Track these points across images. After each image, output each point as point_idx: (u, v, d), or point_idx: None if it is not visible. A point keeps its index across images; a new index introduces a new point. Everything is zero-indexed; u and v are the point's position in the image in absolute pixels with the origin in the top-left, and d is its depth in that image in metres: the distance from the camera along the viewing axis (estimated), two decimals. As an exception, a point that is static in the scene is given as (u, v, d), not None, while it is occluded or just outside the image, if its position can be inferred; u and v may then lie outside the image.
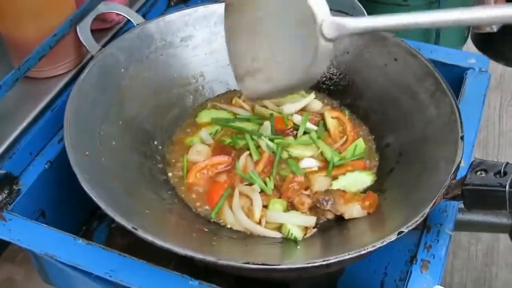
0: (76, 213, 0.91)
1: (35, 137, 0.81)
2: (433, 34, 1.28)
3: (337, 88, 0.90)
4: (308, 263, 0.61)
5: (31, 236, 0.73)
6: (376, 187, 0.78)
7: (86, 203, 0.91)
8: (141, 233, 0.63)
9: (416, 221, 0.64)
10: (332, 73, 0.90)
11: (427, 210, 0.65)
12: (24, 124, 0.80)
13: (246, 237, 0.74)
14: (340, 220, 0.74)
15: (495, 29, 1.35)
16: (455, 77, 0.91)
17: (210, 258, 0.61)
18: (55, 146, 0.83)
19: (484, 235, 1.74)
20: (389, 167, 0.79)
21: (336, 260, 0.61)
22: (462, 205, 0.74)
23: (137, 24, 0.87)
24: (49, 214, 0.84)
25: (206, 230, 0.74)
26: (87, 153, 0.73)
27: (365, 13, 1.10)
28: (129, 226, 0.63)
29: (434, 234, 0.72)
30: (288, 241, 0.74)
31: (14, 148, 0.79)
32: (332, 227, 0.74)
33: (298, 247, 0.73)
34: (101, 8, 0.86)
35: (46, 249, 0.71)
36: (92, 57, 0.87)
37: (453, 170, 0.68)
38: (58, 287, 0.91)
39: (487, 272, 1.68)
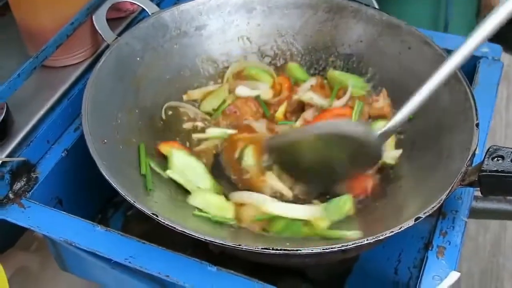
0: (92, 201, 0.92)
1: (52, 126, 0.82)
2: (441, 23, 1.28)
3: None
4: (326, 248, 0.61)
5: (50, 223, 0.73)
6: (392, 176, 0.78)
7: (102, 191, 0.93)
8: (161, 218, 0.64)
9: (433, 207, 0.64)
10: (346, 61, 0.91)
11: (444, 197, 0.65)
12: (42, 112, 0.80)
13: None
14: (358, 208, 0.75)
15: (503, 18, 1.35)
16: (468, 66, 0.90)
17: (230, 244, 0.62)
18: (72, 134, 0.84)
19: (492, 226, 1.75)
20: (405, 154, 0.79)
21: (354, 245, 0.62)
22: (476, 193, 0.75)
23: (152, 13, 0.87)
24: (66, 202, 0.85)
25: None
26: (105, 140, 0.73)
27: (375, 4, 1.10)
28: (149, 212, 0.64)
29: (449, 220, 0.72)
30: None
31: (31, 136, 0.79)
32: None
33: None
34: (116, -4, 0.86)
35: (65, 235, 0.72)
36: (107, 46, 0.88)
37: (469, 157, 0.69)
38: (75, 274, 0.91)
39: (495, 262, 1.69)
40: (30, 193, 0.77)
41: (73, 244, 0.72)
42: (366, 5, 0.90)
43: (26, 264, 1.19)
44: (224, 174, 0.81)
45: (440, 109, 0.78)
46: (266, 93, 0.89)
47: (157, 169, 0.76)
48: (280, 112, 0.87)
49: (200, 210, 0.73)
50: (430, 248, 0.70)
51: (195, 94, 0.88)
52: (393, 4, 1.25)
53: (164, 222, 0.64)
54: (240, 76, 0.91)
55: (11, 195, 0.76)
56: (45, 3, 0.80)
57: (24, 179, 0.78)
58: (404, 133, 0.81)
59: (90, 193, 0.90)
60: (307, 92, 0.86)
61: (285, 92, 0.89)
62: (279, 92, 0.90)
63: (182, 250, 0.72)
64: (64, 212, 0.75)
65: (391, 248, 0.87)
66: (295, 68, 0.92)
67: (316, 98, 0.86)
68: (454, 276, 0.66)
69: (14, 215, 0.74)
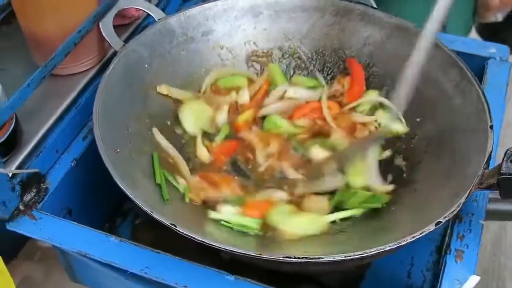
0: (100, 210, 0.91)
1: (60, 135, 0.81)
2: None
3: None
4: (347, 256, 0.61)
5: (62, 234, 0.72)
6: (406, 179, 0.78)
7: (110, 200, 0.92)
8: (180, 229, 0.63)
9: (453, 211, 0.64)
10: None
11: (462, 200, 0.65)
12: (50, 121, 0.79)
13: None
14: (371, 212, 0.75)
15: (500, 18, 1.36)
16: (476, 67, 0.91)
17: (252, 253, 0.61)
18: (80, 143, 0.83)
19: (491, 225, 1.75)
20: (417, 158, 0.79)
21: (376, 252, 0.61)
22: (491, 195, 0.75)
23: (159, 19, 0.87)
24: (75, 212, 0.84)
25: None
26: (117, 150, 0.72)
27: (373, 3, 1.10)
28: (167, 222, 0.63)
29: (466, 224, 0.72)
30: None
31: (41, 146, 0.78)
32: (364, 219, 0.74)
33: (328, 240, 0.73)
34: (123, 3, 0.85)
35: (79, 247, 0.71)
36: (114, 54, 0.87)
37: (485, 160, 0.69)
38: (87, 285, 0.90)
39: (496, 262, 1.69)
40: (41, 204, 0.76)
41: (87, 256, 0.70)
42: (365, 5, 0.89)
43: (31, 274, 1.18)
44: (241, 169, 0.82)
45: (452, 112, 0.78)
46: (242, 97, 0.88)
47: (173, 182, 0.76)
48: (242, 119, 0.85)
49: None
50: (448, 252, 0.70)
51: (163, 89, 0.85)
52: (391, 4, 1.25)
53: (183, 233, 0.63)
54: (216, 88, 0.89)
55: (21, 207, 0.75)
56: (51, 11, 0.78)
57: (34, 190, 0.77)
58: (417, 136, 0.81)
59: (98, 202, 0.89)
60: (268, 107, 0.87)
61: (258, 95, 0.89)
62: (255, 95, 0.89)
63: (190, 257, 0.71)
64: (76, 223, 0.73)
65: (404, 252, 0.86)
66: (273, 69, 0.91)
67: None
68: (474, 280, 0.66)
69: (26, 227, 0.73)
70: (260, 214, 0.73)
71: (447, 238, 0.73)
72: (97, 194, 0.87)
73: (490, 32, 1.49)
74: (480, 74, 0.91)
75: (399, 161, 0.81)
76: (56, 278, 1.15)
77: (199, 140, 0.82)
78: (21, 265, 1.17)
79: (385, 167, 0.81)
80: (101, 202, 0.89)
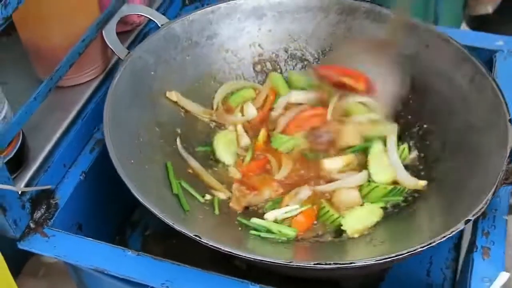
0: (110, 223, 0.89)
1: (68, 148, 0.78)
2: (431, 17, 1.27)
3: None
4: (379, 260, 0.59)
5: (77, 251, 0.70)
6: (425, 177, 0.77)
7: (118, 211, 0.90)
8: (204, 240, 0.61)
9: (481, 209, 0.63)
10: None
11: (489, 196, 0.64)
12: (57, 135, 0.77)
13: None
14: (396, 212, 0.73)
15: (490, 10, 1.35)
16: (484, 61, 0.89)
17: (281, 262, 0.59)
18: (88, 156, 0.81)
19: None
20: (434, 156, 0.78)
21: (407, 253, 0.60)
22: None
23: (162, 25, 0.84)
24: (85, 226, 0.81)
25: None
26: (132, 161, 0.70)
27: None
28: (191, 234, 0.61)
29: (490, 220, 0.71)
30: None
31: (48, 161, 0.76)
32: (387, 221, 0.73)
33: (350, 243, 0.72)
34: (125, 10, 0.83)
35: (95, 263, 0.69)
36: (117, 62, 0.85)
37: (507, 155, 0.68)
38: (101, 301, 0.88)
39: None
40: (52, 220, 0.74)
41: (104, 272, 0.68)
42: (371, 2, 0.88)
43: (35, 291, 1.15)
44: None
45: (468, 107, 0.77)
46: (248, 113, 0.87)
47: (191, 190, 0.74)
48: (261, 139, 0.84)
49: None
50: (474, 250, 0.68)
51: (173, 96, 0.83)
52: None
53: (207, 243, 0.61)
54: (227, 106, 0.88)
55: (32, 225, 0.73)
56: (53, 22, 0.76)
57: (44, 207, 0.74)
58: (433, 134, 0.80)
59: (108, 215, 0.87)
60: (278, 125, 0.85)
61: (266, 107, 0.88)
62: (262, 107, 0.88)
63: (202, 266, 0.69)
64: (91, 239, 0.71)
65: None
66: (276, 80, 0.89)
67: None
68: (504, 276, 0.65)
69: (38, 246, 0.71)
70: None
71: (470, 236, 0.73)
72: (106, 206, 0.85)
73: (480, 25, 1.48)
74: (488, 67, 0.90)
75: (413, 159, 0.80)
76: (62, 296, 1.13)
77: (232, 167, 0.81)
78: (25, 282, 1.14)
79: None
80: (110, 214, 0.87)
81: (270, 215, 0.74)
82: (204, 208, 0.74)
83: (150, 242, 0.92)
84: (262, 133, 0.83)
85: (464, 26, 1.45)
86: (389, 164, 0.78)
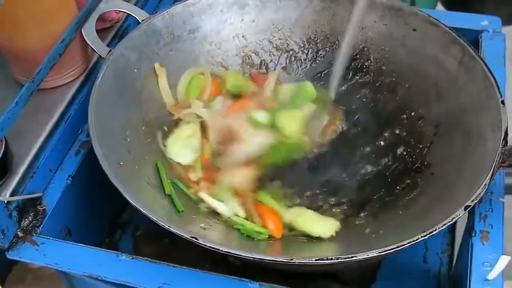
0: (99, 225, 0.87)
1: (52, 152, 0.76)
2: (408, -1, 1.26)
3: (355, 65, 0.87)
4: (382, 251, 0.58)
5: (69, 258, 0.68)
6: (419, 163, 0.76)
7: (107, 213, 0.88)
8: (202, 241, 0.59)
9: (479, 194, 0.62)
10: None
11: (487, 180, 0.63)
12: (41, 139, 0.74)
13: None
14: (393, 200, 0.72)
15: (465, -12, 1.35)
16: (471, 41, 0.89)
17: (282, 259, 0.58)
18: (73, 159, 0.78)
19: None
20: (427, 140, 0.77)
21: (409, 243, 0.59)
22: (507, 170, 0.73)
23: (142, 20, 0.82)
24: (74, 231, 0.79)
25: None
26: (120, 163, 0.68)
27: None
28: (188, 236, 0.60)
29: (487, 203, 0.70)
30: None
31: (33, 167, 0.73)
32: (385, 210, 0.72)
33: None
34: (103, 7, 0.81)
35: (89, 269, 0.67)
36: (98, 61, 0.83)
37: (502, 137, 0.67)
38: (94, 306, 0.86)
39: None
40: (40, 228, 0.71)
41: (99, 278, 0.66)
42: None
43: (23, 300, 1.12)
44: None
45: (458, 90, 0.76)
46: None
47: (185, 190, 0.72)
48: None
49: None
50: (473, 234, 0.68)
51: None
52: None
53: (204, 245, 0.59)
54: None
55: (20, 233, 0.70)
56: (30, 22, 0.73)
57: (31, 214, 0.72)
58: (423, 119, 0.79)
59: (97, 217, 0.85)
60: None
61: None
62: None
63: (198, 264, 0.68)
64: (82, 245, 0.69)
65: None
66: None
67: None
68: (504, 260, 0.64)
69: (28, 254, 0.69)
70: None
71: (467, 220, 0.72)
72: (95, 209, 0.83)
73: (455, 5, 1.48)
74: (475, 48, 0.89)
75: (401, 149, 0.80)
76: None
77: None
78: (12, 289, 1.11)
79: (388, 154, 0.80)
80: (99, 217, 0.85)
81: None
82: (196, 207, 0.72)
83: (142, 243, 0.90)
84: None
85: (439, 7, 1.45)
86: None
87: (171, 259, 0.68)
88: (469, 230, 0.69)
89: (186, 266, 0.66)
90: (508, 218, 0.70)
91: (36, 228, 0.71)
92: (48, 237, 0.70)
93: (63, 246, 0.69)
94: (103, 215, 0.86)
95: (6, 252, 0.69)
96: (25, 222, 0.71)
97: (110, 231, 0.90)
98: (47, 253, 0.69)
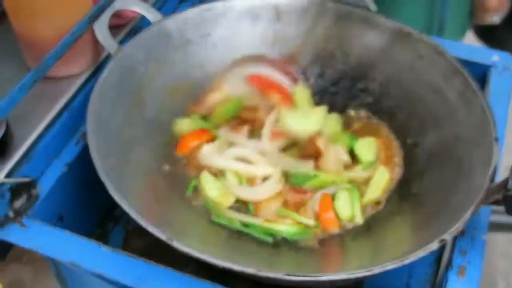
0: (92, 215, 0.89)
1: (52, 140, 0.78)
2: (436, 25, 1.26)
3: (359, 86, 0.87)
4: (350, 274, 0.59)
5: (53, 243, 0.70)
6: (406, 191, 0.76)
7: (101, 204, 0.90)
8: (176, 244, 0.61)
9: (457, 228, 0.62)
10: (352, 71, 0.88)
11: (468, 216, 0.63)
12: (42, 126, 0.77)
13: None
14: (371, 224, 0.73)
15: (497, 20, 1.34)
16: (478, 75, 0.89)
17: (250, 270, 0.59)
18: (73, 148, 0.80)
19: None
20: (419, 168, 0.77)
21: (378, 271, 0.60)
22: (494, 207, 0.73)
23: (155, 22, 0.84)
24: (66, 218, 0.81)
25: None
26: (112, 159, 0.70)
27: (372, 4, 1.08)
28: (163, 237, 0.61)
29: (468, 238, 0.70)
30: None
31: (32, 152, 0.76)
32: (364, 232, 0.73)
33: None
34: (118, 5, 0.83)
35: (70, 257, 0.69)
36: (108, 56, 0.85)
37: (489, 174, 0.67)
38: (77, 293, 0.88)
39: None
40: (31, 211, 0.74)
41: (79, 266, 0.68)
42: (366, 8, 0.87)
43: (19, 277, 1.15)
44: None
45: (456, 121, 0.76)
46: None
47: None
48: None
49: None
50: (450, 268, 0.68)
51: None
52: (388, 4, 1.23)
53: (178, 248, 0.61)
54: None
55: (11, 214, 0.72)
56: (44, 12, 0.76)
57: (24, 196, 0.74)
58: (420, 146, 0.79)
59: (90, 207, 0.87)
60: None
61: None
62: None
63: (185, 265, 0.69)
64: (67, 231, 0.71)
65: (402, 263, 0.85)
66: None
67: None
68: (476, 298, 0.65)
69: (15, 236, 0.71)
70: None
71: (448, 253, 0.72)
72: (89, 199, 0.85)
73: (488, 34, 1.47)
74: (482, 82, 0.89)
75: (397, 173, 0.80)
76: (46, 281, 1.13)
77: None
78: (10, 267, 1.14)
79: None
80: (93, 207, 0.87)
81: None
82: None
83: (133, 236, 0.91)
84: None
85: (470, 35, 1.44)
86: None
87: (157, 256, 0.69)
88: (447, 263, 0.69)
89: (170, 264, 0.68)
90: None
91: (27, 211, 0.74)
92: (37, 221, 0.72)
93: (50, 231, 0.71)
94: (97, 206, 0.88)
95: (-6, 231, 0.71)
96: (17, 204, 0.73)
97: (103, 222, 0.91)
98: (33, 236, 0.71)
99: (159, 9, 0.90)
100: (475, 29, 1.47)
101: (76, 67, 0.82)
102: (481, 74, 0.90)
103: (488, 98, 0.85)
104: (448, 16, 1.26)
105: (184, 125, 0.83)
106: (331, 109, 0.86)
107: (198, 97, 0.86)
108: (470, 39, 1.44)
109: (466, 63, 0.88)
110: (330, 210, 0.74)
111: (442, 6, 1.23)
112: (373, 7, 1.08)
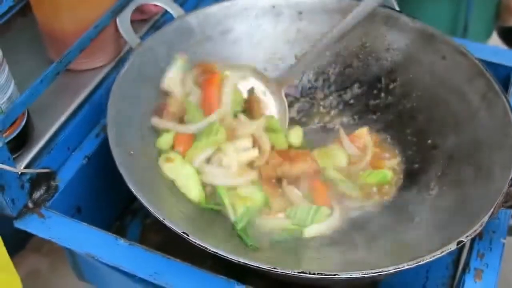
0: (110, 208, 0.90)
1: (73, 132, 0.79)
2: (461, 25, 1.25)
3: (378, 86, 0.87)
4: (365, 273, 0.59)
5: (71, 235, 0.71)
6: (425, 192, 0.75)
7: (120, 197, 0.91)
8: (192, 238, 0.61)
9: (475, 230, 0.62)
10: (373, 70, 0.88)
11: (486, 219, 0.63)
12: (63, 118, 0.78)
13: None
14: (390, 226, 0.73)
15: (522, 23, 1.32)
16: (501, 77, 0.88)
17: (265, 267, 0.59)
18: (93, 140, 0.81)
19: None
20: (438, 170, 0.76)
21: (393, 270, 0.59)
22: (513, 211, 0.72)
23: (177, 17, 0.84)
24: (84, 210, 0.82)
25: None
26: (131, 152, 0.71)
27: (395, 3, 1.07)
28: (179, 231, 0.61)
29: (487, 241, 0.70)
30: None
31: (52, 143, 0.76)
32: (383, 233, 0.72)
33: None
34: (141, -1, 0.83)
35: (87, 249, 0.69)
36: (130, 50, 0.85)
37: (510, 178, 0.66)
38: (93, 284, 0.89)
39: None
40: (50, 202, 0.75)
41: (96, 258, 0.69)
42: (389, 8, 0.87)
43: (37, 267, 1.17)
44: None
45: (477, 124, 0.75)
46: None
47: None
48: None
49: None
50: (467, 271, 0.67)
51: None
52: (412, 3, 1.22)
53: (194, 242, 0.61)
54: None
55: (30, 205, 0.73)
56: (67, 6, 0.76)
57: (44, 188, 0.75)
58: (439, 147, 0.78)
59: (108, 200, 0.87)
60: None
61: None
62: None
63: (202, 261, 0.69)
64: (85, 224, 0.72)
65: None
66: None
67: None
68: (493, 302, 0.64)
69: (34, 226, 0.72)
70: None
71: (465, 256, 0.71)
72: (108, 192, 0.86)
73: (511, 37, 1.45)
74: (505, 84, 0.88)
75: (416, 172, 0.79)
76: (62, 272, 1.15)
77: None
78: (28, 257, 1.16)
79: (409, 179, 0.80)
80: (111, 200, 0.88)
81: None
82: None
83: (150, 230, 0.92)
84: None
85: (494, 38, 1.43)
86: None
87: (175, 249, 0.70)
88: (464, 266, 0.68)
89: (188, 258, 0.68)
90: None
91: (46, 202, 0.74)
92: (56, 212, 0.73)
93: (68, 223, 0.72)
94: (116, 198, 0.89)
95: (14, 221, 0.72)
96: (36, 195, 0.74)
97: (121, 215, 0.92)
98: (52, 227, 0.72)
99: (181, 5, 0.90)
100: (499, 32, 1.45)
101: (98, 61, 0.83)
102: (504, 76, 0.89)
103: (511, 101, 0.84)
104: (473, 18, 1.24)
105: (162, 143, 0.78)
106: (352, 106, 0.87)
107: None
108: (495, 41, 1.43)
109: (489, 65, 0.87)
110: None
111: (467, 8, 1.22)
112: (395, 7, 1.07)
